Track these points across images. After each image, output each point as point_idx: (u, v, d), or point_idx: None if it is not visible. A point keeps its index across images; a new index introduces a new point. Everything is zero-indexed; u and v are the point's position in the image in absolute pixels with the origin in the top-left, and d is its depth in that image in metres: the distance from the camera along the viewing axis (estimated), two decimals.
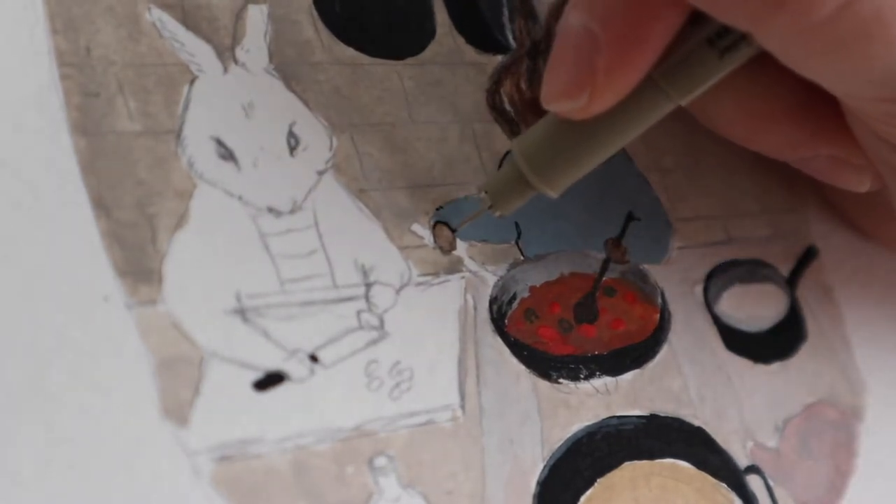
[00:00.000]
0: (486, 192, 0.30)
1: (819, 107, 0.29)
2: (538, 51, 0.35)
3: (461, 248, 0.32)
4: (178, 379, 0.27)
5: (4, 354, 0.25)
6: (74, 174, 0.27)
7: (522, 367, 0.31)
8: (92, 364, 0.26)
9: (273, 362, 0.28)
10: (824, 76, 0.26)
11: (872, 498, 0.35)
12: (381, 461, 0.28)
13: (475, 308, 0.31)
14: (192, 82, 0.29)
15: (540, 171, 0.29)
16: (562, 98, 0.27)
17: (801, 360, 0.36)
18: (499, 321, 0.32)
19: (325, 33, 0.32)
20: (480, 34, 0.34)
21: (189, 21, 0.30)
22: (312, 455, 0.27)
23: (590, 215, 0.32)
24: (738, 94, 0.29)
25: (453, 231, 0.32)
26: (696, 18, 0.27)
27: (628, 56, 0.26)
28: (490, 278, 0.32)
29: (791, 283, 0.37)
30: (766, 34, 0.25)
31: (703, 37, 0.27)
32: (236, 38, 0.31)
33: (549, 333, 0.32)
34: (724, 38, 0.27)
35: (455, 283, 0.31)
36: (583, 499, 0.31)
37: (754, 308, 0.36)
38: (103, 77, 0.28)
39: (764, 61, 0.27)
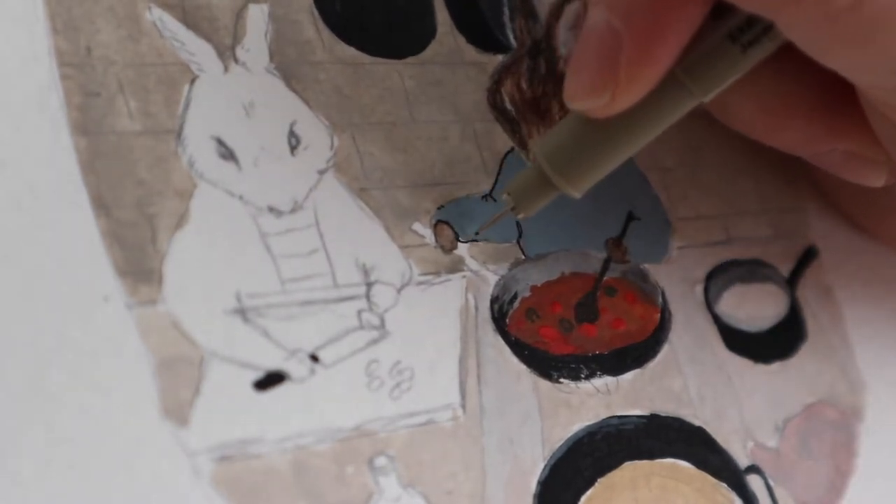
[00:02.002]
0: (508, 194, 0.30)
1: (836, 103, 0.29)
2: (539, 50, 0.35)
3: (462, 247, 0.32)
4: (179, 379, 0.27)
5: (4, 354, 0.25)
6: (74, 174, 0.27)
7: (523, 367, 0.31)
8: (92, 364, 0.26)
9: (273, 362, 0.28)
10: (846, 66, 0.26)
11: (872, 498, 0.35)
12: (381, 461, 0.28)
13: (476, 307, 0.31)
14: (192, 82, 0.29)
15: (563, 171, 0.28)
16: (585, 96, 0.27)
17: (802, 360, 0.36)
18: (500, 321, 0.32)
19: (326, 33, 0.32)
20: (481, 33, 0.34)
21: (189, 20, 0.30)
22: (312, 455, 0.27)
23: (590, 215, 0.32)
24: (756, 91, 0.29)
25: (458, 238, 0.32)
26: (718, 13, 0.27)
27: (651, 52, 0.26)
28: (491, 278, 0.32)
29: (791, 282, 0.37)
30: (789, 22, 0.25)
31: (725, 32, 0.27)
32: (237, 38, 0.30)
33: (550, 333, 0.32)
34: (747, 33, 0.27)
35: (456, 283, 0.31)
36: (583, 498, 0.31)
37: (754, 308, 0.36)
38: (104, 77, 0.28)
39: (783, 58, 0.27)
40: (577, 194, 0.29)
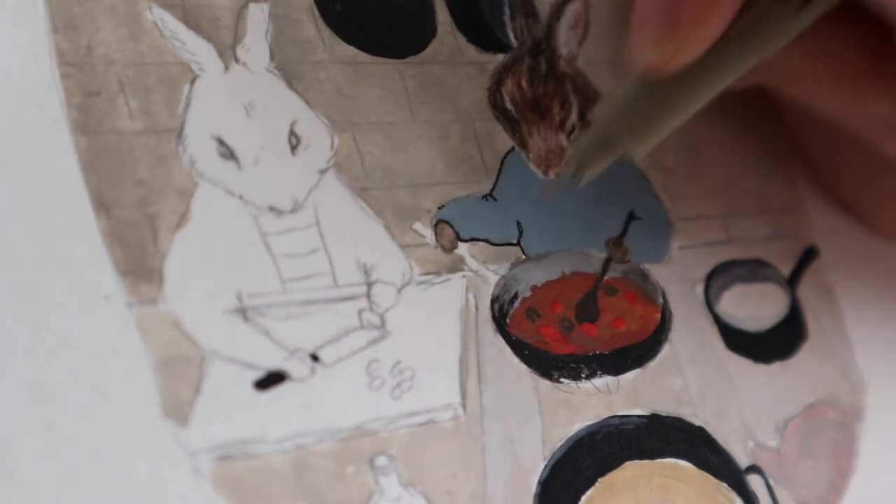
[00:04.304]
0: (569, 157, 0.30)
1: (886, 63, 0.30)
2: (539, 49, 0.35)
3: (463, 247, 0.32)
4: (179, 378, 0.27)
5: (4, 354, 0.25)
6: (75, 174, 0.27)
7: (524, 367, 0.31)
8: (92, 364, 0.26)
9: (274, 362, 0.28)
10: None
11: (873, 498, 0.35)
12: (381, 461, 0.28)
13: (476, 307, 0.31)
14: (192, 81, 0.29)
15: (623, 133, 0.29)
16: (648, 51, 0.28)
17: (802, 359, 0.36)
18: (500, 320, 0.32)
19: (326, 32, 0.32)
20: (481, 33, 0.34)
21: (190, 20, 0.30)
22: (313, 455, 0.27)
23: (591, 215, 0.32)
24: (806, 49, 0.30)
25: (458, 237, 0.32)
26: None
27: (709, 8, 0.27)
28: (492, 277, 0.32)
29: (792, 282, 0.37)
30: None
31: None
32: (237, 37, 0.30)
33: (551, 333, 0.32)
34: None
35: (456, 282, 0.31)
36: (584, 498, 0.31)
37: (755, 308, 0.36)
38: (104, 76, 0.28)
39: (833, 17, 0.27)
40: (638, 155, 0.30)
